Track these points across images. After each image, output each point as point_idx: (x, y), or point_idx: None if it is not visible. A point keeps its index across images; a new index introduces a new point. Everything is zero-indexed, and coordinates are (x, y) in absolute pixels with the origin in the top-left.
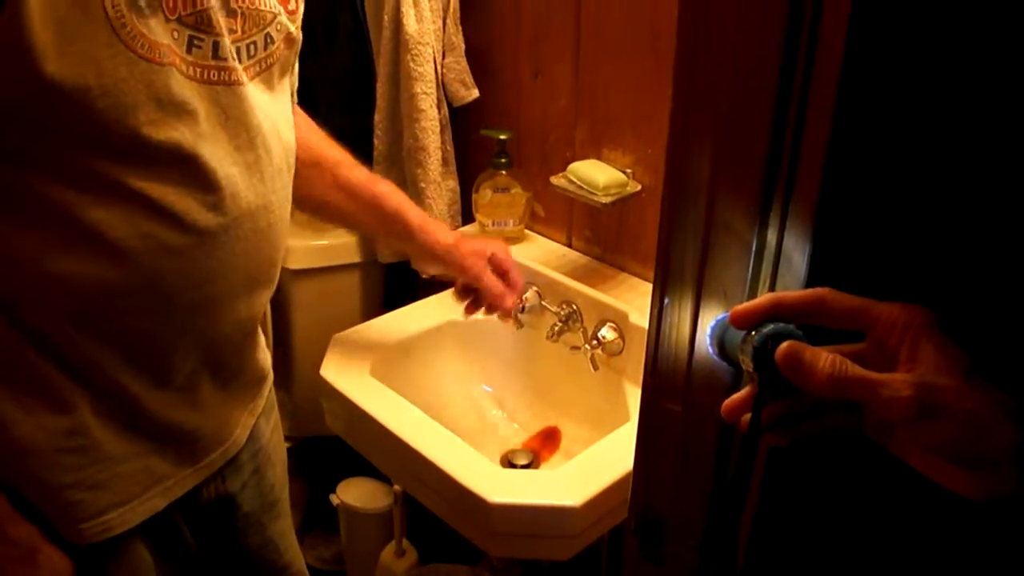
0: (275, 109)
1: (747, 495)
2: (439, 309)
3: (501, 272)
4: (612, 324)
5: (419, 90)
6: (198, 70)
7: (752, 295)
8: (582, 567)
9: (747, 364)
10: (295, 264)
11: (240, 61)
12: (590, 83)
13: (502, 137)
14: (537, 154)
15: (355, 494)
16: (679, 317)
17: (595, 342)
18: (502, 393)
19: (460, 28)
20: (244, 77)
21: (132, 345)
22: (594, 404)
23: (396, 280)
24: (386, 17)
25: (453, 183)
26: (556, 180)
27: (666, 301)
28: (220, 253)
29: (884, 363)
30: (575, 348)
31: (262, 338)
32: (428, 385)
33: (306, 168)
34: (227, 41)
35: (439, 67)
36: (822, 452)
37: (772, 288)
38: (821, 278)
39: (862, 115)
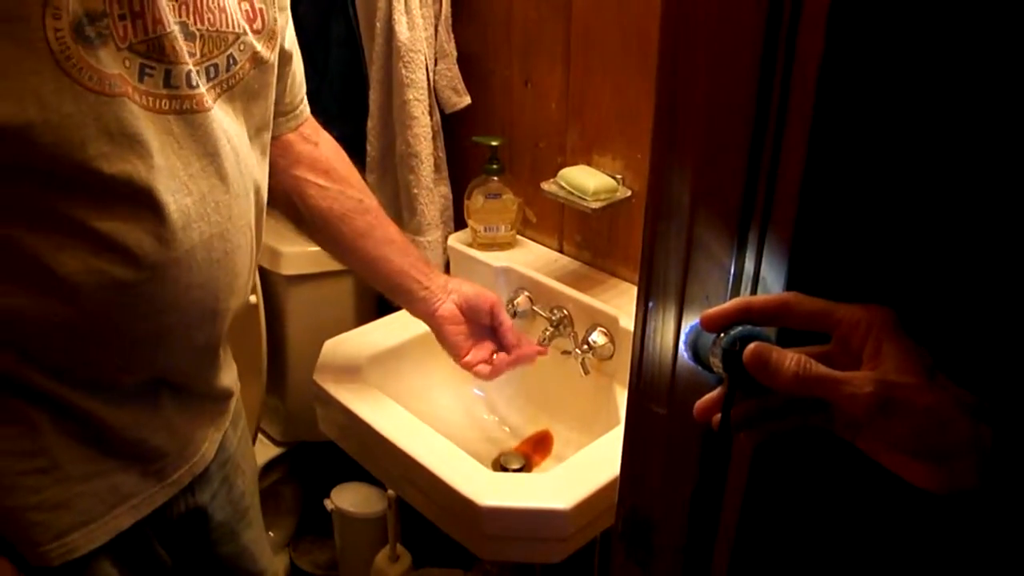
0: (239, 132)
1: (722, 493)
2: None
3: (495, 328)
4: (603, 329)
5: (411, 96)
6: (150, 99)
7: (735, 291)
8: (575, 570)
9: (717, 366)
10: (289, 270)
11: (199, 86)
12: (580, 90)
13: (494, 143)
14: (528, 160)
15: (349, 499)
16: (663, 322)
17: (586, 346)
18: (494, 397)
19: (452, 35)
20: (206, 102)
21: (86, 371)
22: (585, 408)
23: None
24: (378, 24)
25: (445, 189)
26: (547, 186)
27: (650, 306)
28: (171, 286)
29: (849, 363)
30: (566, 353)
31: (226, 356)
32: (421, 390)
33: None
34: (183, 68)
35: (431, 74)
36: (804, 453)
37: (755, 288)
38: (803, 278)
39: (838, 145)
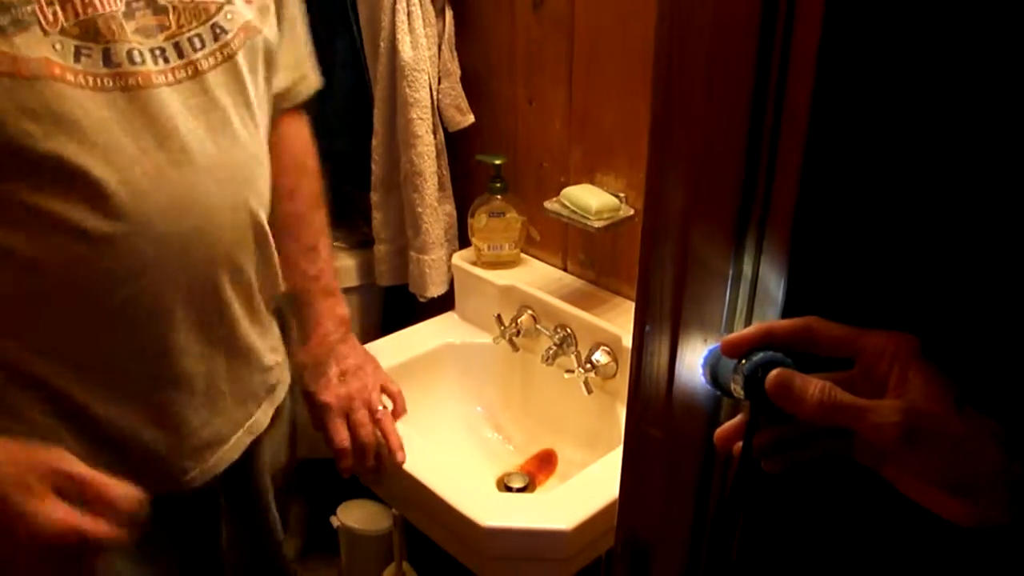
0: (227, 105)
1: (738, 523)
2: (437, 332)
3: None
4: (606, 348)
5: (415, 115)
6: (89, 79)
7: (729, 323)
8: None
9: (738, 392)
10: None
11: (144, 63)
12: (583, 109)
13: (497, 162)
14: (532, 179)
15: (355, 516)
16: (660, 344)
17: (589, 365)
18: (498, 416)
19: (455, 55)
20: (155, 78)
21: (76, 355)
22: (589, 427)
23: (395, 303)
24: (382, 44)
25: (450, 207)
26: (550, 204)
27: (647, 328)
28: (131, 258)
29: (873, 390)
30: (569, 372)
31: (259, 354)
32: (425, 408)
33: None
34: (124, 47)
35: (435, 93)
36: (811, 478)
37: (749, 317)
38: (798, 305)
39: (834, 145)
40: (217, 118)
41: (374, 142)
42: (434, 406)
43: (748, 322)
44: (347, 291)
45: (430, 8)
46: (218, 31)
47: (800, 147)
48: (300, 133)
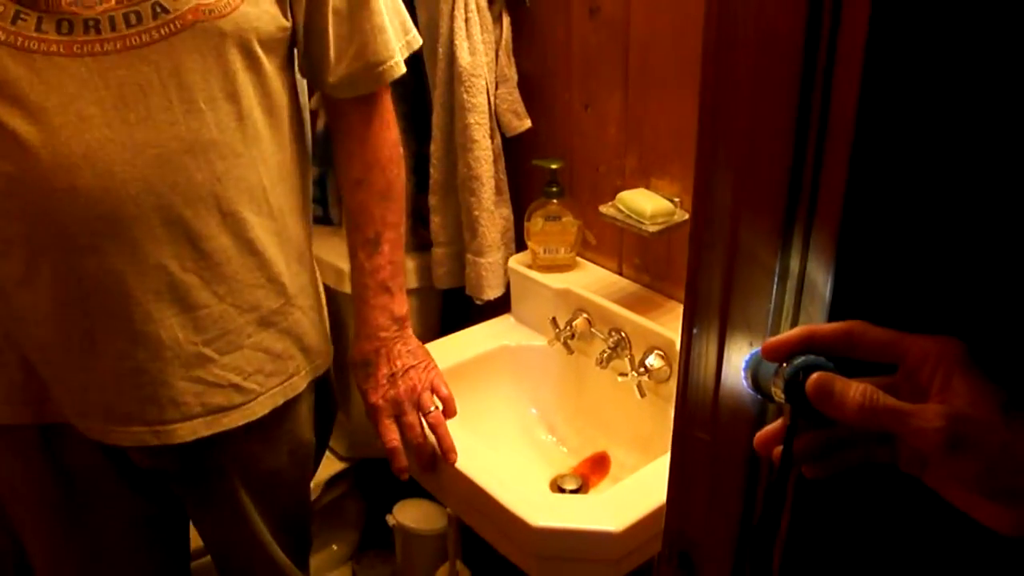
0: (142, 81)
1: (778, 529)
2: (493, 334)
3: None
4: (660, 352)
5: (472, 120)
6: (20, 39)
7: (776, 323)
8: None
9: (779, 396)
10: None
11: (101, 32)
12: (638, 114)
13: (553, 166)
14: (588, 183)
15: (411, 515)
16: (707, 347)
17: (642, 369)
18: (552, 418)
19: (512, 60)
20: (69, 47)
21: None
22: (642, 431)
23: (453, 305)
24: (440, 50)
25: (507, 211)
26: (605, 209)
27: (695, 331)
28: (34, 206)
29: (916, 395)
30: (623, 375)
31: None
32: (480, 409)
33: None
34: (56, 17)
35: (492, 98)
36: (853, 484)
37: (796, 316)
38: (846, 304)
39: (883, 135)
40: (133, 95)
41: (432, 146)
42: (489, 407)
43: (795, 323)
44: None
45: (487, 14)
46: (158, 10)
47: (847, 141)
48: (371, 123)
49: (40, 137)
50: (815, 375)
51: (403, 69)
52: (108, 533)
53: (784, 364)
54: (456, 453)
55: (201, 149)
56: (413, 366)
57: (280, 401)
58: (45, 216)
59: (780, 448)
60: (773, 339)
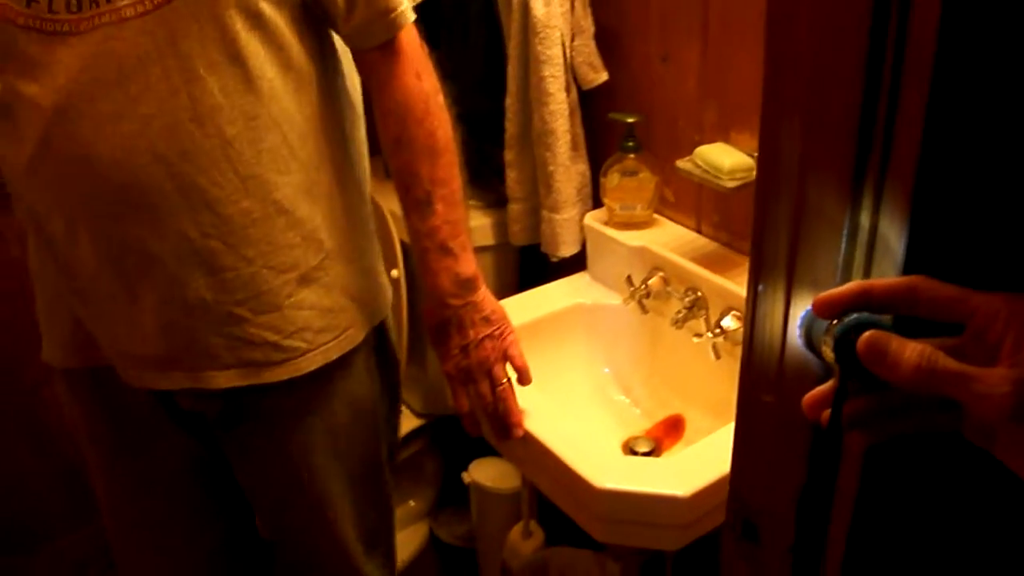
0: (142, 52)
1: (831, 497)
2: (567, 292)
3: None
4: (737, 313)
5: (547, 73)
6: (37, 21)
7: (844, 282)
8: (705, 558)
9: (829, 355)
10: None
11: (100, 5)
12: (718, 66)
13: (630, 120)
14: (666, 138)
15: (486, 473)
16: (773, 306)
17: (718, 330)
18: (626, 378)
19: (589, 11)
20: (78, 26)
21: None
22: (718, 394)
23: (529, 262)
24: (514, 1)
25: (583, 166)
26: (682, 164)
27: (760, 289)
28: (60, 178)
29: (984, 359)
30: (698, 336)
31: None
32: (553, 367)
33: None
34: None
35: (568, 50)
36: (925, 454)
37: (867, 274)
38: (920, 262)
39: (966, 76)
40: (132, 67)
41: (508, 100)
42: (562, 366)
43: (871, 255)
44: (481, 250)
45: None
46: None
47: (925, 83)
48: (397, 74)
49: (56, 114)
50: (867, 333)
51: (412, 16)
52: (157, 468)
53: (836, 321)
54: (522, 428)
55: (207, 116)
56: (488, 335)
57: (335, 356)
58: (70, 187)
59: (828, 412)
60: (825, 293)
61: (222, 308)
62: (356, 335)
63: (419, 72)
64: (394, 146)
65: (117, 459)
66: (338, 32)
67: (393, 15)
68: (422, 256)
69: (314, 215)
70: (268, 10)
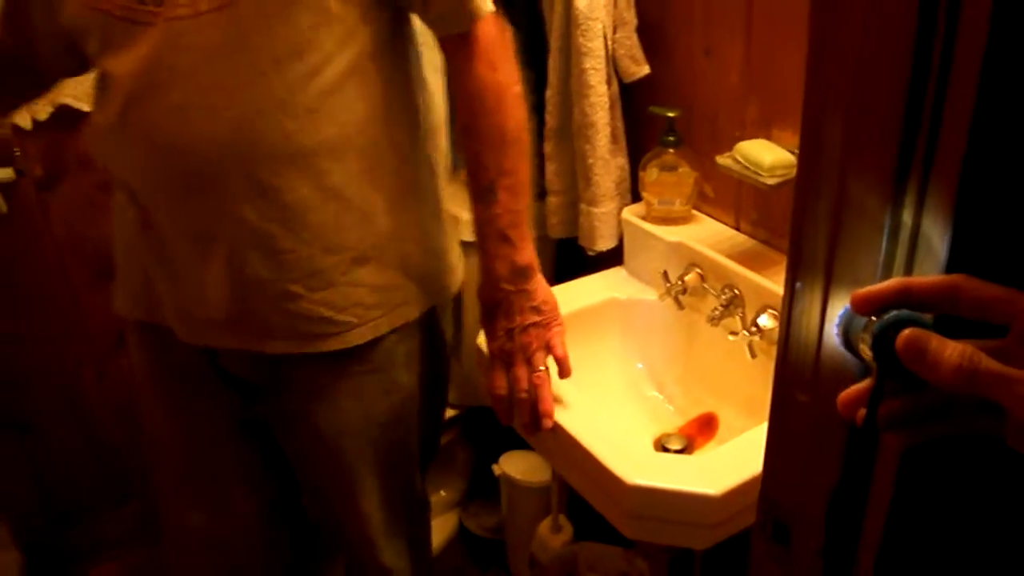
0: (210, 43)
1: (865, 499)
2: (604, 286)
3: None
4: (773, 311)
5: (588, 65)
6: (131, 12)
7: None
8: (734, 557)
9: (866, 353)
10: (468, 236)
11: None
12: (761, 61)
13: (671, 115)
14: (706, 133)
15: (517, 466)
16: (810, 304)
17: (754, 328)
18: (660, 375)
19: (632, 3)
20: (164, 18)
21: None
22: (753, 393)
23: (566, 255)
24: None
25: (622, 160)
26: (722, 160)
27: (797, 286)
28: (134, 159)
29: None
30: (733, 334)
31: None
32: (587, 361)
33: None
34: None
35: (609, 42)
36: (964, 457)
37: (908, 274)
38: (964, 263)
39: (1017, 71)
40: (204, 61)
41: (548, 92)
42: (596, 360)
43: (913, 254)
44: None
45: None
46: None
47: (974, 77)
48: (473, 64)
49: (133, 98)
50: (907, 331)
51: (490, 7)
52: (211, 421)
53: (874, 318)
54: (552, 419)
55: (272, 110)
56: (535, 323)
57: (385, 330)
58: (142, 165)
59: (864, 411)
60: (865, 289)
61: (278, 285)
62: (410, 312)
63: (494, 63)
64: (464, 133)
65: (177, 406)
66: (422, 20)
67: (470, 6)
68: (482, 241)
69: (373, 198)
70: (336, 7)
